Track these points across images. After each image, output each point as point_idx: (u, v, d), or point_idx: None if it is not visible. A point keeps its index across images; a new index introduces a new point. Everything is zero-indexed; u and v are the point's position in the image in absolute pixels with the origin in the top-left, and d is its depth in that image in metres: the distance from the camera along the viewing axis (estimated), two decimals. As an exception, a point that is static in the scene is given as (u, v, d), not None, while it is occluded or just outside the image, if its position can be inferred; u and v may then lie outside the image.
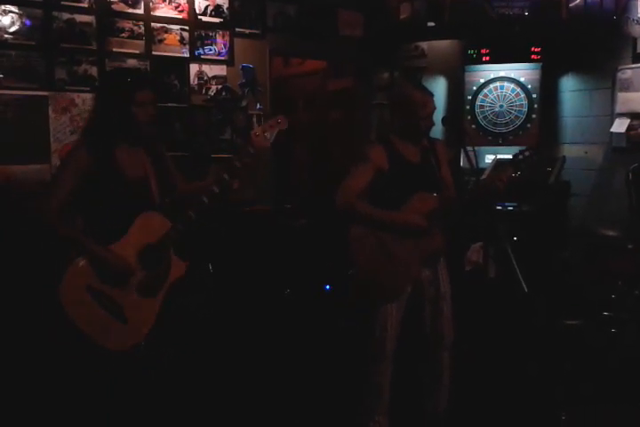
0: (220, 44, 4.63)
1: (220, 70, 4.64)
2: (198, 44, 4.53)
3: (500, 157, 4.75)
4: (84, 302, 2.33)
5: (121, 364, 2.39)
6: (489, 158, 4.92)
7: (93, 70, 4.07)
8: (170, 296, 2.46)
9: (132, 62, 4.22)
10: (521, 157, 2.75)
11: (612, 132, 4.61)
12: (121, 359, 2.38)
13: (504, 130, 5.03)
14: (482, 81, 5.08)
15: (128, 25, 4.21)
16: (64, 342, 2.47)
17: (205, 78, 4.58)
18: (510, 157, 2.81)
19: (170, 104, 4.42)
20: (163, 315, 2.44)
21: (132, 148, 2.47)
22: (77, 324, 2.31)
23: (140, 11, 4.24)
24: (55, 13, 3.93)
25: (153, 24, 4.31)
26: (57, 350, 2.72)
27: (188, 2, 4.45)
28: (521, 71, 4.98)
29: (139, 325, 2.39)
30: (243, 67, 4.73)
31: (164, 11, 4.35)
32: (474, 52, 5.05)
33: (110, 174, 2.37)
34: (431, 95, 2.78)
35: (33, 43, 3.85)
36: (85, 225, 2.43)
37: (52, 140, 3.92)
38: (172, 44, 4.42)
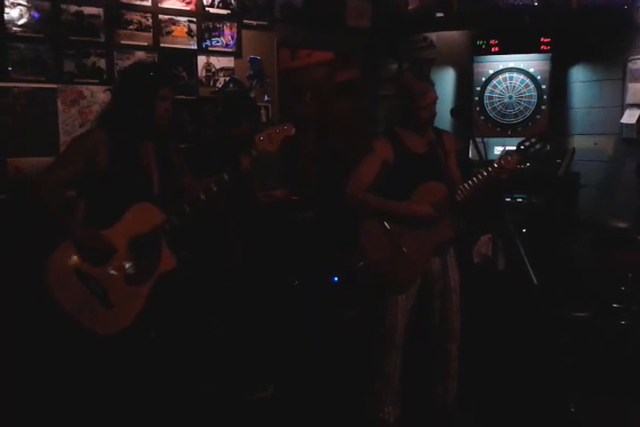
0: (227, 35, 4.62)
1: (228, 62, 4.64)
2: (206, 35, 4.52)
3: (508, 148, 4.72)
4: (71, 283, 2.36)
5: (111, 350, 2.41)
6: (498, 150, 4.89)
7: (102, 63, 4.07)
8: (160, 288, 2.48)
9: (140, 55, 4.22)
10: (527, 143, 2.75)
11: (622, 124, 4.57)
12: (111, 345, 2.40)
13: (513, 121, 5.00)
14: (491, 72, 5.04)
15: (136, 17, 4.21)
16: (54, 327, 2.48)
17: (213, 70, 4.58)
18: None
19: (178, 96, 4.41)
20: (153, 306, 2.46)
21: (144, 141, 2.52)
22: (63, 305, 2.34)
23: (148, 3, 4.23)
24: (63, 6, 3.92)
25: (161, 16, 4.30)
26: (46, 335, 2.73)
27: (195, -7, 4.44)
28: (530, 62, 4.94)
29: (124, 311, 2.41)
30: (250, 58, 4.73)
31: (171, 3, 4.34)
32: (483, 43, 5.02)
33: (125, 166, 2.42)
34: (431, 85, 2.79)
35: (41, 35, 3.85)
36: (86, 209, 2.47)
37: (60, 132, 3.93)
38: (180, 36, 4.41)
